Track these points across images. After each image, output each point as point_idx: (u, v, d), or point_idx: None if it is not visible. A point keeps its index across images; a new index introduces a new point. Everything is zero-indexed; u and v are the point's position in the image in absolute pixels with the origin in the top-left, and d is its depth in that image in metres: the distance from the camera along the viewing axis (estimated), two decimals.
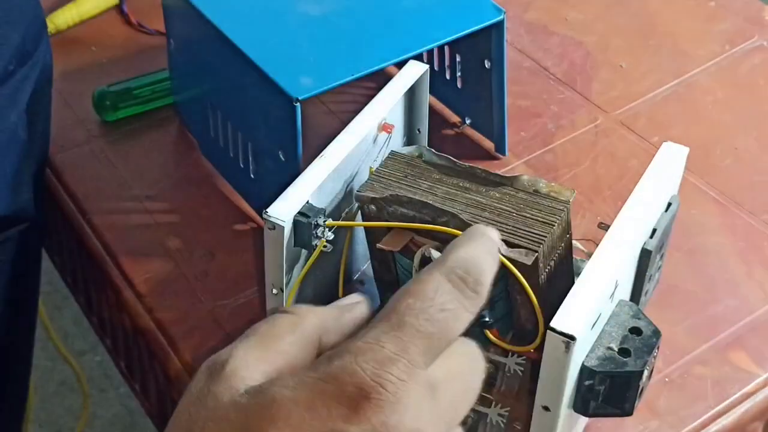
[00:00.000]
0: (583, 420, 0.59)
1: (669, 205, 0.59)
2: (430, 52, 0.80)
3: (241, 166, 0.74)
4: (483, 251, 0.41)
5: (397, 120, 0.66)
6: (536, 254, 0.52)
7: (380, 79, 0.74)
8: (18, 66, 0.72)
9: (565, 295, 0.49)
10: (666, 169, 0.58)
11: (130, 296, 0.71)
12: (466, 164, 0.59)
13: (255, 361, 0.39)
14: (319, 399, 0.36)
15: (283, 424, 0.36)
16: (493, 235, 0.43)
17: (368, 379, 0.36)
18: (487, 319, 0.54)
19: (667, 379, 0.64)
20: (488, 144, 0.81)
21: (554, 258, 0.56)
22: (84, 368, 1.52)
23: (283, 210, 0.55)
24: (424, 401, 0.36)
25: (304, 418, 0.36)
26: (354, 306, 0.43)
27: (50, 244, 0.87)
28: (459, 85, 0.80)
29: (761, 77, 0.88)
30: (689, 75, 0.89)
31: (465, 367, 0.40)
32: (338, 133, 0.61)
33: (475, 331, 0.54)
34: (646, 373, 0.51)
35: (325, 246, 0.56)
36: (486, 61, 0.76)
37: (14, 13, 0.71)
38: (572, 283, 0.51)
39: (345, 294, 0.63)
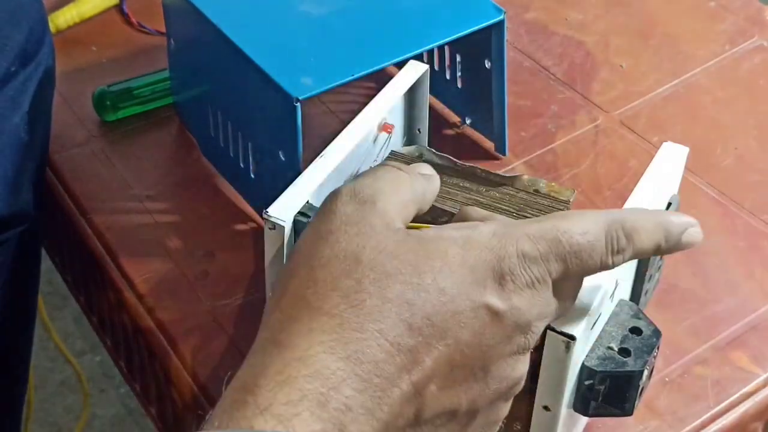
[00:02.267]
0: (583, 420, 0.59)
1: (669, 205, 0.59)
2: (430, 52, 0.80)
3: (241, 166, 0.74)
4: (650, 220, 0.47)
5: (397, 120, 0.66)
6: None
7: (380, 79, 0.74)
8: (21, 67, 0.72)
9: None
10: (666, 169, 0.58)
11: (130, 296, 0.71)
12: (466, 164, 0.59)
13: (394, 206, 0.45)
14: (481, 266, 0.43)
15: (447, 273, 0.42)
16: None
17: (519, 268, 0.43)
18: None
19: (667, 379, 0.64)
20: (488, 144, 0.81)
21: None
22: (84, 368, 1.52)
23: (283, 210, 0.55)
24: (551, 305, 0.45)
25: (465, 276, 0.42)
26: (433, 179, 0.50)
27: (50, 244, 0.87)
28: (459, 85, 0.80)
29: (761, 77, 0.88)
30: (689, 75, 0.89)
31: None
32: (338, 133, 0.61)
33: None
34: (646, 373, 0.51)
35: None
36: (486, 61, 0.76)
37: (17, 13, 0.71)
38: None
39: None
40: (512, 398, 0.47)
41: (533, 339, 0.45)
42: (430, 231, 0.45)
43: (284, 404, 0.38)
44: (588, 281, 0.50)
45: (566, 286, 0.46)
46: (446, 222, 0.54)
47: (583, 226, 0.44)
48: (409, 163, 0.59)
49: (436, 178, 0.51)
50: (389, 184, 0.46)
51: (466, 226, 0.45)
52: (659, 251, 0.47)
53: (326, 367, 0.39)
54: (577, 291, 0.47)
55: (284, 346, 0.40)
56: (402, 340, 0.40)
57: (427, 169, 0.51)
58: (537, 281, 0.43)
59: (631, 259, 0.46)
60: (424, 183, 0.49)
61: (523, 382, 0.46)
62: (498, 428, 0.47)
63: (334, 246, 0.43)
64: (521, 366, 0.45)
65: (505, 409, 0.46)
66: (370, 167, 0.50)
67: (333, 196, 0.45)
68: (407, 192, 0.47)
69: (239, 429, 0.38)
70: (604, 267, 0.45)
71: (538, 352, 0.48)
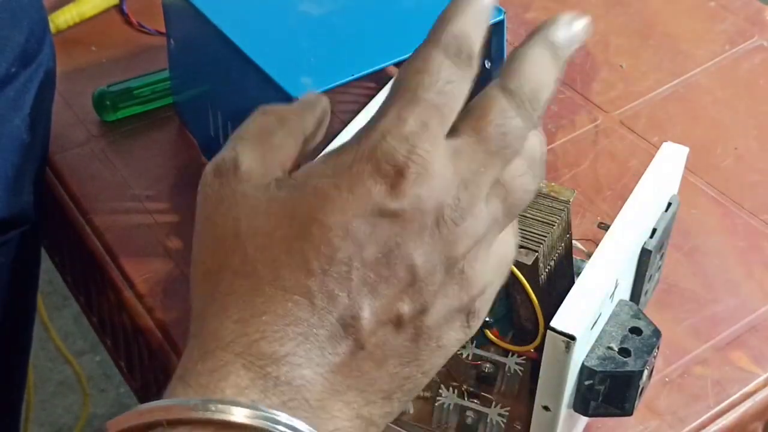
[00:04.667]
0: (583, 420, 0.59)
1: (669, 205, 0.59)
2: None
3: None
4: (471, 23, 0.42)
5: None
6: (536, 254, 0.52)
7: (380, 79, 0.74)
8: (21, 68, 0.72)
9: (565, 295, 0.49)
10: (666, 169, 0.58)
11: (130, 296, 0.71)
12: None
13: (262, 158, 0.42)
14: (358, 181, 0.38)
15: (330, 208, 0.38)
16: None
17: (400, 155, 0.38)
18: (487, 319, 0.54)
19: (667, 379, 0.64)
20: None
21: (554, 258, 0.56)
22: (84, 368, 1.52)
23: None
24: (449, 167, 0.39)
25: (348, 200, 0.38)
26: (319, 100, 0.46)
27: (50, 244, 0.87)
28: None
29: (761, 77, 0.88)
30: (689, 75, 0.89)
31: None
32: (338, 133, 0.61)
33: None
34: (646, 373, 0.51)
35: None
36: (486, 61, 0.76)
37: (18, 14, 0.71)
38: (572, 283, 0.51)
39: None
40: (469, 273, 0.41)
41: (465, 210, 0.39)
42: (300, 171, 0.41)
43: (208, 374, 0.37)
44: (587, 281, 0.50)
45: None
46: None
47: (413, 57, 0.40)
48: None
49: (321, 100, 0.46)
50: (252, 139, 0.43)
51: (331, 151, 0.41)
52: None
53: (244, 335, 0.37)
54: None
55: (197, 334, 0.39)
56: (306, 285, 0.38)
57: (310, 96, 0.46)
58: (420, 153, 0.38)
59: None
60: (301, 111, 0.45)
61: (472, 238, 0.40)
62: (464, 334, 0.42)
63: (214, 230, 0.41)
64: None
65: (462, 295, 0.40)
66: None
67: (203, 178, 0.42)
68: (278, 134, 0.43)
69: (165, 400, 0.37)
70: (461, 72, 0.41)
71: (538, 352, 0.48)
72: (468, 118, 0.41)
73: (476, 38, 0.42)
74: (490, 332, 0.55)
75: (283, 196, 0.40)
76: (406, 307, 0.39)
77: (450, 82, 0.40)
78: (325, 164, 0.40)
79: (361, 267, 0.38)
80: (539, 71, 0.44)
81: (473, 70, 0.42)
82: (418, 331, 0.39)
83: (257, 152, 0.42)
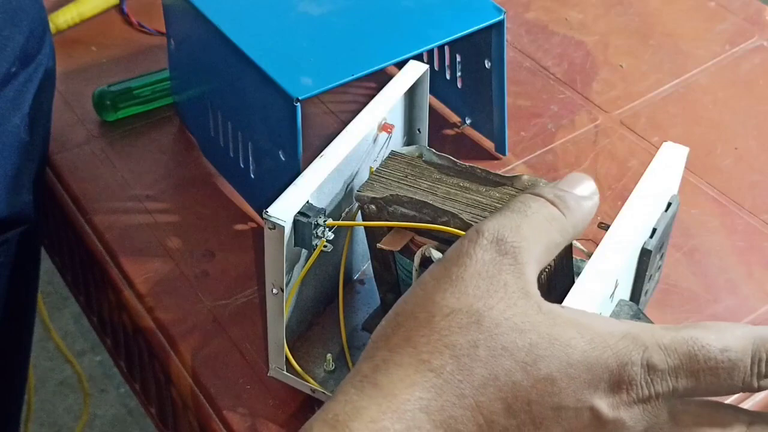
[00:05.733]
0: None
1: (669, 205, 0.59)
2: (430, 52, 0.80)
3: (241, 166, 0.74)
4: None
5: (397, 120, 0.66)
6: None
7: (380, 79, 0.74)
8: (21, 68, 0.72)
9: (565, 295, 0.49)
10: (666, 169, 0.57)
11: (130, 296, 0.71)
12: (466, 164, 0.59)
13: (536, 262, 0.43)
14: (600, 367, 0.40)
15: (564, 364, 0.40)
16: None
17: (641, 379, 0.40)
18: None
19: None
20: (488, 144, 0.81)
21: (554, 258, 0.56)
22: (84, 368, 1.52)
23: (283, 210, 0.55)
24: (662, 429, 0.41)
25: (580, 373, 0.40)
26: (590, 199, 0.47)
27: (50, 244, 0.87)
28: (459, 85, 0.80)
29: (761, 77, 0.88)
30: (689, 75, 0.89)
31: None
32: (338, 133, 0.61)
33: None
34: None
35: (325, 246, 0.56)
36: (486, 61, 0.76)
37: (18, 14, 0.71)
38: (572, 283, 0.51)
39: (345, 294, 0.64)
40: None
41: None
42: (564, 311, 0.42)
43: None
44: (587, 281, 0.50)
45: (689, 410, 0.42)
46: (446, 222, 0.54)
47: (725, 341, 0.40)
48: (409, 163, 0.59)
49: (595, 196, 0.47)
50: (536, 230, 0.44)
51: (599, 318, 0.43)
52: None
53: (418, 427, 0.38)
54: (703, 420, 0.42)
55: (383, 392, 0.39)
56: (497, 418, 0.39)
57: (586, 189, 0.47)
58: (655, 398, 0.40)
59: None
60: (579, 214, 0.46)
61: None
62: None
63: (460, 297, 0.41)
64: None
65: None
66: (518, 201, 0.45)
67: (473, 236, 0.43)
68: (556, 235, 0.45)
69: None
70: (747, 389, 0.41)
71: None
72: None
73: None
74: None
75: (537, 322, 0.41)
76: None
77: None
78: (588, 322, 0.42)
79: None
80: None
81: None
82: None
83: (537, 249, 0.44)
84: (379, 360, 0.41)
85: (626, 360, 0.40)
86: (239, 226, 0.76)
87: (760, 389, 0.41)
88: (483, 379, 0.39)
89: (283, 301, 0.57)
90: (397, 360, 0.40)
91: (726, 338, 0.41)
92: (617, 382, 0.40)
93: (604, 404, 0.40)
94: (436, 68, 0.81)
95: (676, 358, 0.40)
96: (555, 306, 0.42)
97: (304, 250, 0.58)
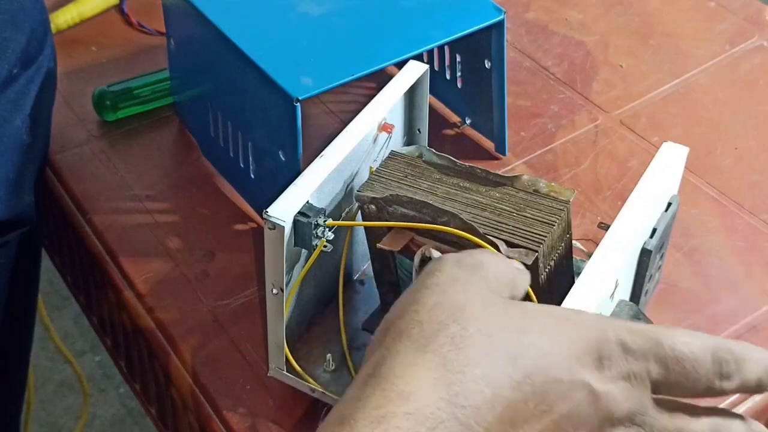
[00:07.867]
0: None
1: (669, 205, 0.59)
2: (430, 52, 0.80)
3: (241, 166, 0.74)
4: (759, 351, 0.45)
5: (397, 120, 0.66)
6: (536, 254, 0.52)
7: (380, 79, 0.74)
8: (22, 69, 0.72)
9: (565, 295, 0.49)
10: (666, 169, 0.58)
11: (130, 296, 0.71)
12: (466, 164, 0.59)
13: (496, 277, 0.45)
14: (582, 341, 0.41)
15: (549, 339, 0.41)
16: None
17: (617, 356, 0.41)
18: None
19: None
20: (488, 144, 0.81)
21: (554, 258, 0.56)
22: (84, 368, 1.52)
23: (283, 210, 0.55)
24: (646, 409, 0.42)
25: (565, 346, 0.41)
26: (525, 272, 0.49)
27: (50, 244, 0.87)
28: (459, 85, 0.80)
29: (761, 77, 0.88)
30: (689, 75, 0.89)
31: None
32: (338, 133, 0.61)
33: None
34: None
35: (325, 246, 0.56)
36: (486, 61, 0.76)
37: (19, 16, 0.71)
38: (572, 283, 0.51)
39: (345, 294, 0.64)
40: None
41: None
42: (534, 304, 0.45)
43: None
44: (587, 281, 0.50)
45: (669, 404, 0.43)
46: (446, 222, 0.54)
47: (687, 338, 0.42)
48: (409, 163, 0.59)
49: (527, 273, 0.49)
50: (489, 258, 0.46)
51: (568, 309, 0.45)
52: (761, 387, 0.44)
53: (426, 406, 0.39)
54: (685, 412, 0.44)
55: (384, 379, 0.40)
56: (503, 392, 0.40)
57: (518, 264, 0.50)
58: (633, 376, 0.41)
59: (736, 391, 0.43)
60: (515, 270, 0.48)
61: None
62: None
63: (440, 295, 0.43)
64: None
65: None
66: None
67: (436, 262, 0.45)
68: (506, 269, 0.46)
69: None
70: (710, 390, 0.43)
71: None
72: None
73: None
74: None
75: (515, 309, 0.43)
76: None
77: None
78: (561, 309, 0.44)
79: (549, 412, 0.40)
80: None
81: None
82: None
83: (494, 269, 0.45)
84: (377, 358, 0.42)
85: (603, 337, 0.42)
86: (239, 226, 0.76)
87: (723, 392, 0.43)
88: (481, 354, 0.40)
89: (283, 301, 0.57)
90: (394, 351, 0.41)
91: (689, 337, 0.43)
92: (599, 358, 0.41)
93: (593, 378, 0.41)
94: (436, 68, 0.81)
95: (644, 342, 0.42)
96: (523, 302, 0.44)
97: (304, 250, 0.58)
